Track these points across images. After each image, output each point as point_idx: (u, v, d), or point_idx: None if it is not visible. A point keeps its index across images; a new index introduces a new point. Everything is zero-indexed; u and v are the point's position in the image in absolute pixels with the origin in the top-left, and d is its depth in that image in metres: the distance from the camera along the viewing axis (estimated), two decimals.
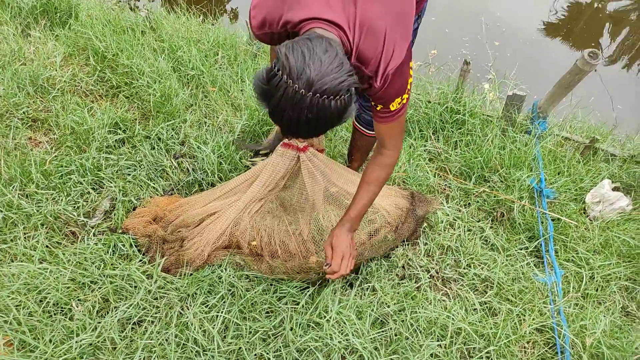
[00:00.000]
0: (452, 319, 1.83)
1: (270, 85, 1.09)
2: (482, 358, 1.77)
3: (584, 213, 2.40)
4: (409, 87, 1.45)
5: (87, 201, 2.09)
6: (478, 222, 2.29)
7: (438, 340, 1.80)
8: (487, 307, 1.96)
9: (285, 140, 2.09)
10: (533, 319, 1.86)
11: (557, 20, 4.48)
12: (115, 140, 2.34)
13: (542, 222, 2.26)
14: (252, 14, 1.37)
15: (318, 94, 1.06)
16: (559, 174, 2.50)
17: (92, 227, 2.01)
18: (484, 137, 2.58)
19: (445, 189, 2.45)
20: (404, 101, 1.46)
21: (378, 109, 1.48)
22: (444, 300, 1.97)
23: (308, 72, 1.05)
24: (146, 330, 1.70)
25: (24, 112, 2.40)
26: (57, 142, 2.33)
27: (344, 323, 1.80)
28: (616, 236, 2.20)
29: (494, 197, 2.35)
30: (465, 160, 2.51)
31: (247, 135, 2.50)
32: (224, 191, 2.15)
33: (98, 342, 1.65)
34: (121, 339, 1.67)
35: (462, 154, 2.55)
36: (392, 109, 1.44)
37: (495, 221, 2.34)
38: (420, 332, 1.82)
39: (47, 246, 1.89)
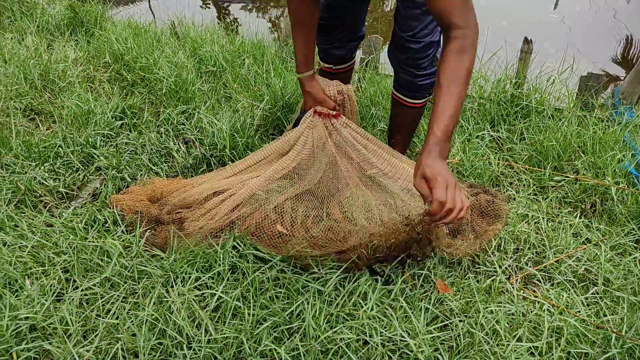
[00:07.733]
0: (549, 313, 1.26)
1: None
2: None
3: None
4: None
5: (74, 179, 1.74)
6: (562, 214, 1.76)
7: (528, 342, 1.22)
8: (594, 307, 1.38)
9: (318, 108, 1.71)
10: None
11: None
12: (120, 125, 2.03)
13: None
14: None
15: None
16: None
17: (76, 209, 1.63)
18: (557, 122, 2.11)
19: (513, 183, 1.95)
20: None
21: None
22: (527, 298, 1.40)
23: None
24: (109, 312, 1.23)
25: (27, 105, 2.16)
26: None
27: (388, 318, 1.26)
28: None
29: (581, 184, 1.83)
30: (537, 148, 2.02)
31: (270, 122, 2.14)
32: (236, 170, 1.75)
33: (47, 324, 1.19)
34: (76, 321, 1.20)
35: (532, 140, 2.07)
36: None
37: (585, 214, 1.79)
38: (502, 335, 1.25)
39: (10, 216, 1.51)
